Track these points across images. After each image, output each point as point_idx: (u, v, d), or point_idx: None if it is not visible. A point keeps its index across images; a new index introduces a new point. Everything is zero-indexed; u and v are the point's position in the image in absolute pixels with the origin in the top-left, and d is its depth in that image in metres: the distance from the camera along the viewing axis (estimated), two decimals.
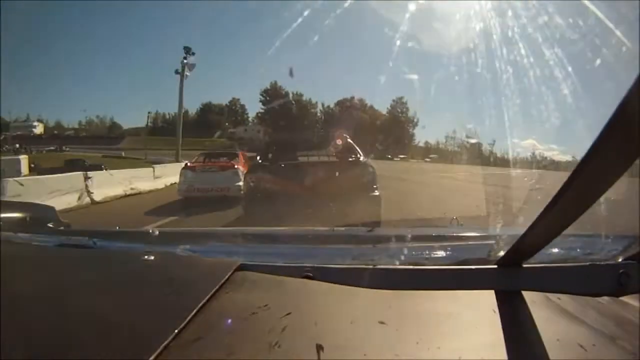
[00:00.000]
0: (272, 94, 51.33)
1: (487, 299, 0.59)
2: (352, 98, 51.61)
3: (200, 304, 0.56)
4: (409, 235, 1.13)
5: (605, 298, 0.61)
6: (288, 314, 0.55)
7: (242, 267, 0.70)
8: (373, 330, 0.52)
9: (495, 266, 0.67)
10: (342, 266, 0.72)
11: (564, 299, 0.60)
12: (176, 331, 0.49)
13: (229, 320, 0.55)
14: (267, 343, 0.50)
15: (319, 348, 0.48)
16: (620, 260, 0.67)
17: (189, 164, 8.17)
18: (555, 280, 0.65)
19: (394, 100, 50.50)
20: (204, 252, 0.88)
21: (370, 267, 0.71)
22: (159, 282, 0.70)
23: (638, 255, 0.66)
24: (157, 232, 1.16)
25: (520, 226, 0.71)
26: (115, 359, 0.46)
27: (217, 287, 0.61)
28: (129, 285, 0.69)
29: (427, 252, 0.83)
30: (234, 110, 54.34)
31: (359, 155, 3.93)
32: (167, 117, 51.48)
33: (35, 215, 1.20)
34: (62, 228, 1.18)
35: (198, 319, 0.53)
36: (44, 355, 0.47)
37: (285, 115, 49.02)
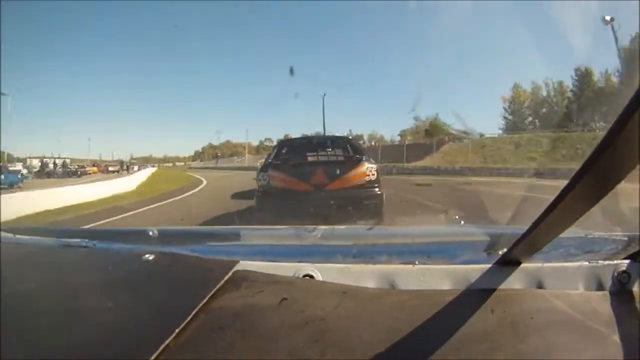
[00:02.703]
0: None
1: (487, 297, 0.59)
2: None
3: (201, 304, 0.56)
4: (409, 234, 1.13)
5: (605, 297, 0.61)
6: (288, 313, 0.56)
7: (242, 267, 0.70)
8: (373, 329, 0.52)
9: (496, 265, 0.67)
10: (342, 265, 0.72)
11: (564, 298, 0.60)
12: (177, 331, 0.49)
13: (229, 320, 0.55)
14: (267, 342, 0.50)
15: (319, 347, 0.48)
16: (620, 259, 0.67)
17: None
18: (555, 279, 0.65)
19: None
20: (204, 252, 0.88)
21: (370, 265, 0.71)
22: (159, 282, 0.70)
23: (638, 254, 0.66)
24: (156, 232, 1.15)
25: (520, 225, 0.71)
26: (116, 359, 0.46)
27: (217, 287, 0.61)
28: (129, 285, 0.69)
29: (428, 251, 0.83)
30: None
31: (363, 156, 4.46)
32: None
33: None
34: (62, 228, 1.18)
35: (198, 319, 0.53)
36: (44, 355, 0.47)
37: None
